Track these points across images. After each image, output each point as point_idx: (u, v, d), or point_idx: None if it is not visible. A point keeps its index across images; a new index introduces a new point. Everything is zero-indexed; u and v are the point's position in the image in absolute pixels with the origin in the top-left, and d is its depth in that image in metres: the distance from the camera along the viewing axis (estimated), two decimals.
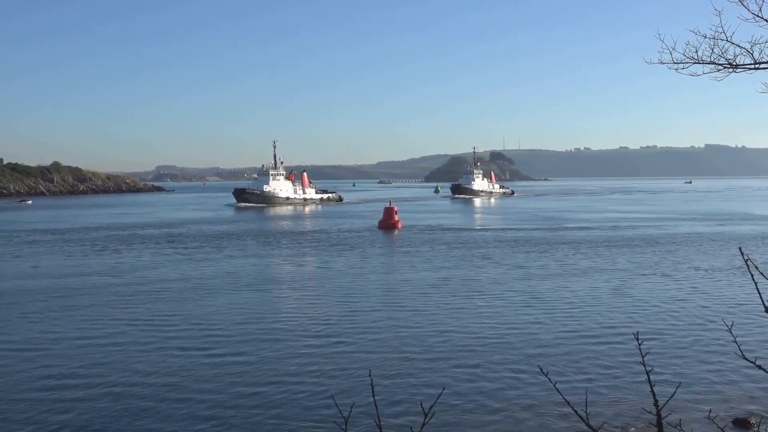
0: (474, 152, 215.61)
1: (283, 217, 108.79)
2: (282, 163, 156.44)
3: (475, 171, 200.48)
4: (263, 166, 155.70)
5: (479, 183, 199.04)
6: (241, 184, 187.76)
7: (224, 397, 20.17)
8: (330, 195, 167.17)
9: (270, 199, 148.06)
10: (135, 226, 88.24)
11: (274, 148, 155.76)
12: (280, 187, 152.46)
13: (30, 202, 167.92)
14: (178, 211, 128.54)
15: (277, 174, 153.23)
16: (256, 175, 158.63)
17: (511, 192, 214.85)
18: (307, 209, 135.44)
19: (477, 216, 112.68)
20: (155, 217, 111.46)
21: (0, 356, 24.87)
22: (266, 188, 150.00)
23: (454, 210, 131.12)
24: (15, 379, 21.96)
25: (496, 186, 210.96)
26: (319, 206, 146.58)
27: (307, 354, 24.70)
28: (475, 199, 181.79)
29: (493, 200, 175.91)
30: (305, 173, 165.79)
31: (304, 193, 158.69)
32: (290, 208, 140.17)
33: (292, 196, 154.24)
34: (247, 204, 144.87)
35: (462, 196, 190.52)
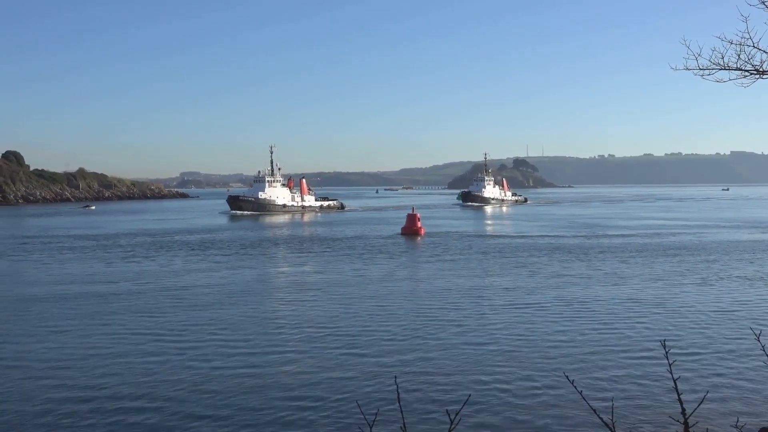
0: (485, 159, 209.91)
1: (277, 226, 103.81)
2: (280, 169, 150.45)
3: (486, 178, 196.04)
4: (259, 172, 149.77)
5: (490, 190, 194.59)
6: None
7: (249, 401, 20.25)
8: (331, 202, 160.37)
9: (265, 207, 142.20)
10: (163, 233, 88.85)
11: (271, 153, 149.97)
12: (276, 194, 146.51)
13: (94, 207, 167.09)
14: (169, 221, 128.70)
15: (274, 180, 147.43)
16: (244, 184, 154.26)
17: (523, 200, 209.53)
18: (306, 217, 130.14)
19: (495, 222, 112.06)
20: (160, 224, 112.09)
21: (26, 360, 25.17)
22: (261, 195, 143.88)
23: (470, 217, 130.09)
24: (32, 387, 22.21)
25: (508, 193, 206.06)
26: (319, 214, 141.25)
27: (331, 359, 24.78)
28: (485, 206, 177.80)
29: (504, 208, 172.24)
30: (304, 180, 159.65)
31: (302, 200, 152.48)
32: (287, 216, 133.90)
33: (289, 203, 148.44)
34: (241, 212, 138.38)
35: (472, 203, 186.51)
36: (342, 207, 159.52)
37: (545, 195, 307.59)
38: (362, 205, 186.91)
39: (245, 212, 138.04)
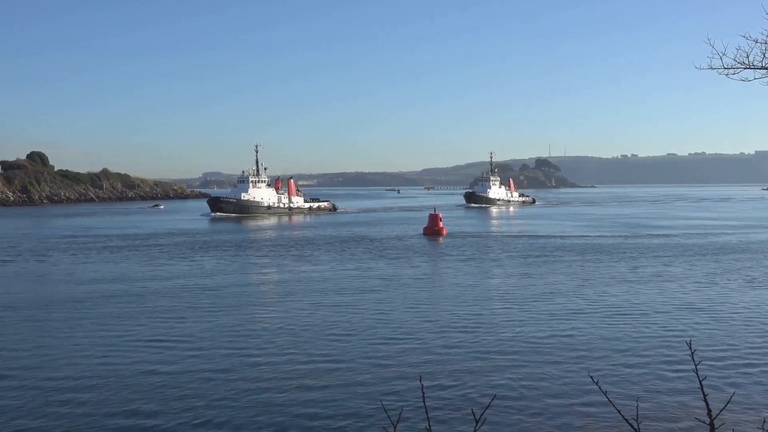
0: (491, 158, 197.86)
1: (263, 229, 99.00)
2: (266, 169, 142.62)
3: (492, 178, 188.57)
4: (243, 172, 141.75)
5: (496, 191, 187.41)
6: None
7: (270, 400, 20.36)
8: (321, 204, 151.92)
9: (248, 209, 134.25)
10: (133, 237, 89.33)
11: (256, 152, 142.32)
12: (261, 195, 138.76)
13: (162, 207, 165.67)
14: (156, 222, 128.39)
15: (258, 181, 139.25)
16: (235, 182, 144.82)
17: (531, 200, 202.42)
18: (294, 219, 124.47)
19: (511, 223, 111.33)
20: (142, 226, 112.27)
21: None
22: (244, 196, 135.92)
23: (480, 218, 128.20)
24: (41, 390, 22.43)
25: (515, 194, 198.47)
26: (308, 216, 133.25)
27: (354, 359, 24.90)
28: (491, 208, 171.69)
29: (511, 209, 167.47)
30: (292, 180, 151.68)
31: (290, 201, 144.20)
32: (273, 219, 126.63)
33: (275, 204, 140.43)
34: (222, 214, 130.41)
35: (476, 204, 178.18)
36: (334, 208, 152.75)
37: (564, 195, 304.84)
38: (360, 207, 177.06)
39: (226, 214, 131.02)
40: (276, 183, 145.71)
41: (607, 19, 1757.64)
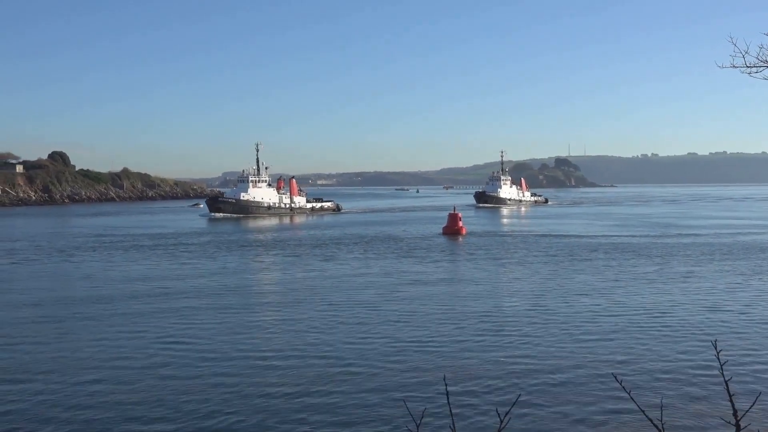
0: (501, 158, 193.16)
1: (254, 230, 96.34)
2: (267, 168, 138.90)
3: (503, 177, 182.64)
4: (243, 171, 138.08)
5: (507, 190, 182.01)
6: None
7: (293, 398, 20.45)
8: (324, 204, 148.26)
9: (248, 209, 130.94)
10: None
11: (257, 151, 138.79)
12: (261, 194, 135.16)
13: (201, 206, 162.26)
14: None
15: (259, 180, 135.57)
16: (236, 180, 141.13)
17: (544, 200, 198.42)
18: (296, 220, 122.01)
19: (530, 222, 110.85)
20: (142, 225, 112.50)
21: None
22: (244, 196, 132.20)
23: (495, 218, 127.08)
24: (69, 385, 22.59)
25: (527, 194, 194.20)
26: (310, 217, 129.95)
27: (378, 357, 24.95)
28: (502, 208, 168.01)
29: (523, 209, 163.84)
30: (294, 180, 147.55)
31: (291, 202, 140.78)
32: (272, 219, 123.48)
33: (276, 205, 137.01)
34: (221, 214, 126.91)
35: (487, 204, 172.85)
36: (338, 209, 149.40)
37: (583, 195, 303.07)
38: (365, 207, 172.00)
39: (226, 214, 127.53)
40: (278, 183, 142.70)
41: (628, 21, 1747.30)
